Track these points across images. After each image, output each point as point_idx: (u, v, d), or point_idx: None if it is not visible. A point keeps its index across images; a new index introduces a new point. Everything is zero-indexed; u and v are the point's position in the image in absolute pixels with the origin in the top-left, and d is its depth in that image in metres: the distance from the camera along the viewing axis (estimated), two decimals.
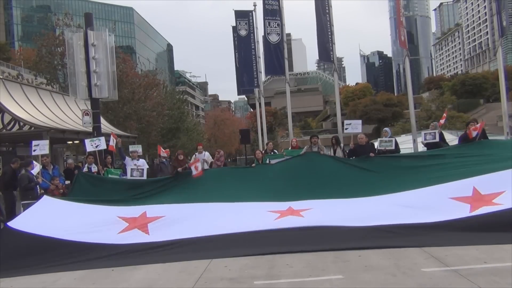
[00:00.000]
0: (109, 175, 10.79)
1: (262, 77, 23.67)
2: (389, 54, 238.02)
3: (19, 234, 7.45)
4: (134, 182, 10.06)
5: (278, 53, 15.38)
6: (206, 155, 12.69)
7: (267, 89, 52.53)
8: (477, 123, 10.32)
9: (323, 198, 8.63)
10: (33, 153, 10.51)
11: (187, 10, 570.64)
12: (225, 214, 8.31)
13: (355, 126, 10.46)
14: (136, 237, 7.65)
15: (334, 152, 11.13)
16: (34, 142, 10.49)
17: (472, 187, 7.94)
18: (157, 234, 7.69)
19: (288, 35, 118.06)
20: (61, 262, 6.85)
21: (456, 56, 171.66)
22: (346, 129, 10.56)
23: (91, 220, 7.97)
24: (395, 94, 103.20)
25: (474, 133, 9.45)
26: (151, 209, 8.45)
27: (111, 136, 11.45)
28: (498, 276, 5.05)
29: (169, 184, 9.68)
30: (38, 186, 10.09)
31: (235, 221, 7.88)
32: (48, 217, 8.03)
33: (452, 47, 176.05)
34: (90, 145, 10.75)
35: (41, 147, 10.46)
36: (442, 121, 12.16)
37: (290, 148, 12.44)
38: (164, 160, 12.59)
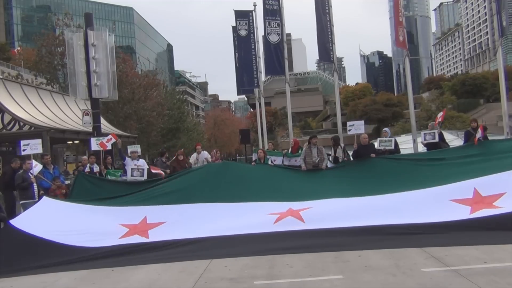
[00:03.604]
0: (109, 176, 10.77)
1: (262, 77, 23.67)
2: (389, 54, 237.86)
3: (21, 233, 7.43)
4: (134, 181, 10.06)
5: (278, 53, 15.36)
6: (206, 154, 12.73)
7: (267, 89, 52.52)
8: (477, 123, 10.37)
9: (323, 198, 8.61)
10: (23, 153, 10.10)
11: (187, 10, 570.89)
12: (225, 216, 8.29)
13: (358, 127, 10.54)
14: (136, 240, 7.67)
15: (335, 152, 11.13)
16: (22, 142, 10.05)
17: (473, 188, 7.95)
18: (157, 238, 7.70)
19: (288, 35, 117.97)
20: (62, 262, 6.85)
21: (456, 56, 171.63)
22: (349, 130, 10.64)
23: (92, 227, 7.94)
24: (395, 94, 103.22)
25: (477, 136, 9.48)
26: (152, 212, 8.42)
27: (111, 136, 11.42)
28: (498, 276, 5.06)
29: (169, 183, 9.66)
30: (35, 185, 9.99)
31: (236, 223, 7.88)
32: (49, 220, 7.99)
33: (452, 47, 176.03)
34: (95, 144, 10.69)
35: (32, 146, 10.01)
36: (438, 117, 12.05)
37: (290, 150, 12.45)
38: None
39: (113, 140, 10.97)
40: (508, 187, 7.71)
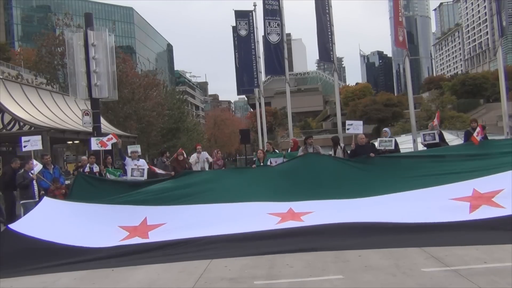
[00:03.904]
0: (108, 174, 10.76)
1: (262, 77, 23.67)
2: (389, 54, 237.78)
3: (20, 237, 7.42)
4: (134, 182, 10.04)
5: (278, 53, 15.37)
6: (206, 154, 12.71)
7: (267, 89, 52.49)
8: (477, 123, 10.37)
9: (324, 199, 8.61)
10: (24, 149, 10.10)
11: (187, 10, 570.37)
12: (225, 216, 8.28)
13: (356, 127, 10.53)
14: (136, 241, 7.67)
15: (334, 152, 11.17)
16: (23, 138, 10.05)
17: (472, 189, 7.99)
18: (157, 238, 7.70)
19: (288, 35, 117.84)
20: (62, 263, 6.84)
21: (456, 56, 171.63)
22: (347, 129, 10.65)
23: (92, 229, 7.92)
24: (395, 94, 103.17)
25: (479, 138, 9.48)
26: (152, 213, 8.41)
27: (111, 135, 11.43)
28: (498, 276, 5.05)
29: (169, 184, 9.66)
30: (35, 184, 10.01)
31: (236, 223, 7.88)
32: (49, 221, 7.97)
33: (452, 47, 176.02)
34: (95, 144, 10.69)
35: (32, 142, 9.99)
36: (434, 121, 12.04)
37: (289, 150, 12.47)
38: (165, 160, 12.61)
39: (114, 140, 10.97)
40: (507, 184, 7.76)
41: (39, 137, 10.54)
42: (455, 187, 8.16)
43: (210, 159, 12.50)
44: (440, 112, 14.72)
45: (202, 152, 12.61)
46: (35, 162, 10.41)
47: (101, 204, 8.63)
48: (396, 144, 10.82)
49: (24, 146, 10.06)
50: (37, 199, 9.48)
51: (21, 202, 10.00)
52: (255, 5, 19.39)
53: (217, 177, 9.93)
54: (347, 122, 10.77)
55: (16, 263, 6.85)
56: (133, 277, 6.10)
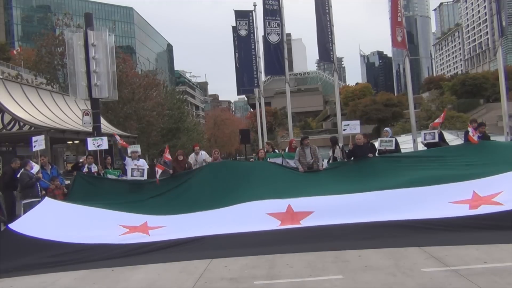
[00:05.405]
0: (108, 175, 10.76)
1: (262, 77, 23.64)
2: (389, 54, 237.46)
3: (20, 236, 7.45)
4: (133, 184, 10.01)
5: (278, 53, 15.38)
6: (204, 155, 12.63)
7: (267, 89, 52.48)
8: (476, 123, 10.37)
9: (323, 195, 8.59)
10: (33, 149, 10.54)
11: (187, 10, 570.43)
12: (226, 218, 8.26)
13: (353, 127, 10.49)
14: (137, 238, 7.71)
15: (333, 152, 11.15)
16: (33, 138, 10.58)
17: (472, 191, 8.00)
18: (158, 237, 7.73)
19: (288, 35, 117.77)
20: (62, 263, 6.84)
21: (456, 56, 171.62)
22: (344, 130, 10.62)
23: (92, 228, 7.97)
24: (395, 94, 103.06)
25: (475, 137, 9.48)
26: (152, 220, 8.45)
27: (116, 136, 11.51)
28: (498, 276, 5.06)
29: (169, 189, 9.60)
30: (38, 183, 10.02)
31: (235, 224, 7.88)
32: (49, 221, 8.01)
33: (452, 47, 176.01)
34: (92, 144, 10.69)
35: (39, 142, 10.53)
36: (437, 121, 11.98)
37: (287, 149, 12.44)
38: (167, 160, 12.54)
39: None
40: (506, 186, 7.76)
41: (43, 136, 11.02)
42: (455, 188, 8.15)
43: (209, 160, 12.42)
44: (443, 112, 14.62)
45: (200, 153, 12.50)
46: (32, 162, 10.43)
47: (101, 209, 8.65)
48: (397, 144, 10.80)
49: (34, 146, 10.49)
50: (40, 199, 9.48)
51: (25, 201, 9.93)
52: (255, 5, 19.41)
53: (216, 180, 9.78)
54: (343, 123, 10.73)
55: (16, 263, 6.86)
56: (133, 277, 6.10)
